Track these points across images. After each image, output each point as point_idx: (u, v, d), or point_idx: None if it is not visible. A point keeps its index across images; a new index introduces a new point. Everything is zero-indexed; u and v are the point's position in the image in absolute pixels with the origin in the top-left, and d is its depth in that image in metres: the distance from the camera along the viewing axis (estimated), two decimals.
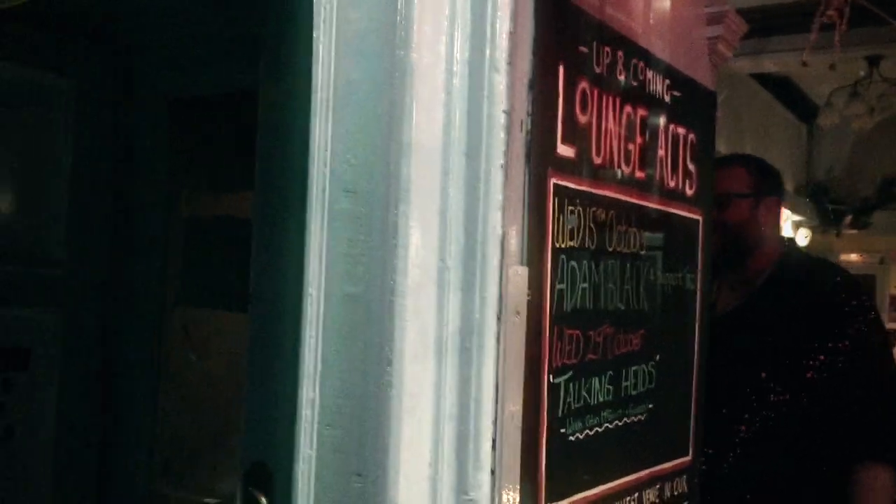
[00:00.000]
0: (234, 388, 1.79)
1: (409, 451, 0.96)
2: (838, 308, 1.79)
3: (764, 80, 6.57)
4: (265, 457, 1.06)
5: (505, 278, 1.04)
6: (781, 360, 1.79)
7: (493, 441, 1.02)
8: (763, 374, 1.80)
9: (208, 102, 2.49)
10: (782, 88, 6.96)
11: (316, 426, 0.98)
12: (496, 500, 1.04)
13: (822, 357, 1.75)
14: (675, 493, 1.55)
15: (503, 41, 1.02)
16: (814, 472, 1.78)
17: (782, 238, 2.07)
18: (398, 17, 0.98)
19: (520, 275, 1.09)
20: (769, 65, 5.67)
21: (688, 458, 1.60)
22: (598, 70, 1.28)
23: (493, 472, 1.02)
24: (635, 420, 1.41)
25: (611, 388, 1.33)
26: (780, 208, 1.99)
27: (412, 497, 0.96)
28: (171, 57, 2.42)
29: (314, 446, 0.99)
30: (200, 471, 2.35)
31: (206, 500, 2.34)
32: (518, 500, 1.08)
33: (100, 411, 2.40)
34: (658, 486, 1.49)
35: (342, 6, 1.02)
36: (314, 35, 1.04)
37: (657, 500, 1.49)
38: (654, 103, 1.45)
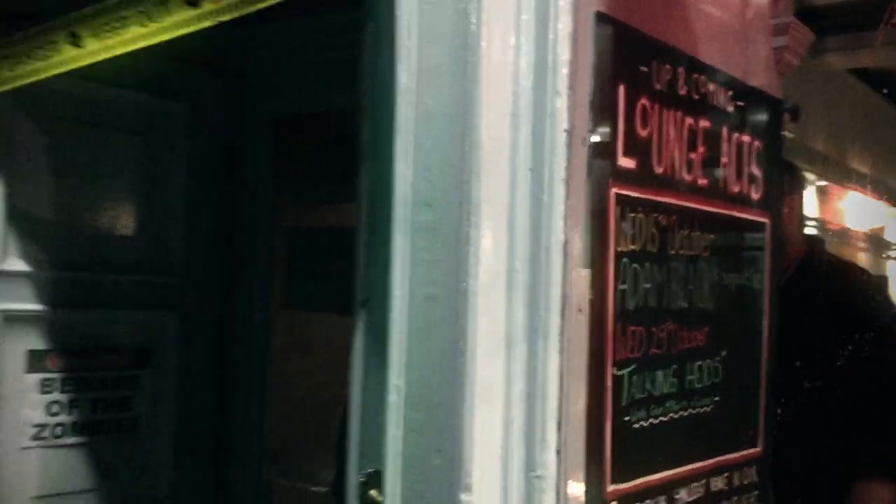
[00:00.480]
0: (332, 383, 1.97)
1: (482, 433, 1.10)
2: (863, 306, 1.82)
3: (863, 75, 6.42)
4: (379, 465, 1.19)
5: (568, 280, 1.16)
6: (809, 357, 1.83)
7: (559, 424, 1.14)
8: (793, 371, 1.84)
9: (307, 121, 2.70)
10: (885, 83, 6.78)
11: (402, 410, 1.13)
12: (562, 478, 1.16)
13: (844, 355, 1.79)
14: (745, 483, 1.64)
15: (563, 69, 1.15)
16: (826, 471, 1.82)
17: (805, 235, 2.08)
18: (468, 52, 1.12)
19: (582, 276, 1.21)
20: (867, 60, 5.56)
21: (757, 450, 1.68)
22: (658, 87, 1.39)
23: (558, 453, 1.15)
24: (701, 411, 1.51)
25: (675, 380, 1.44)
26: (801, 205, 2.01)
27: (486, 473, 1.10)
28: (275, 80, 2.64)
29: (400, 427, 1.14)
30: (305, 461, 2.55)
31: (313, 488, 2.54)
32: (583, 478, 1.20)
33: (214, 406, 2.63)
34: (726, 475, 1.58)
35: (422, 42, 1.17)
36: (397, 67, 1.19)
37: (725, 488, 1.58)
38: (716, 114, 1.54)
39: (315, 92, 2.61)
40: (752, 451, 1.67)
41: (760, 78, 1.70)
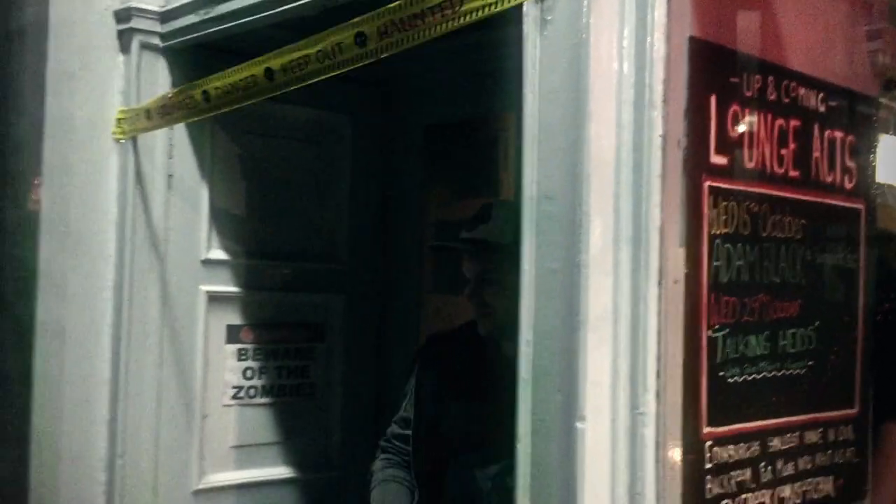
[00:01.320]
0: None
1: (594, 376, 1.40)
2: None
3: None
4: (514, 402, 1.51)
5: (665, 256, 1.44)
6: None
7: (658, 372, 1.42)
8: None
9: (450, 127, 3.06)
10: None
11: (531, 358, 1.45)
12: (661, 417, 1.44)
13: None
14: (840, 439, 1.85)
15: (658, 86, 1.43)
16: None
17: None
18: (580, 77, 1.42)
19: (678, 254, 1.48)
20: None
21: (853, 411, 1.89)
22: (748, 94, 1.64)
23: (658, 395, 1.43)
24: (794, 373, 1.74)
25: (767, 344, 1.68)
26: None
27: (597, 408, 1.40)
28: (423, 92, 3.01)
29: (531, 373, 1.45)
30: None
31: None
32: (679, 417, 1.48)
33: (374, 377, 3.04)
34: (820, 430, 1.80)
35: (543, 69, 1.48)
36: (525, 86, 1.51)
37: (819, 441, 1.80)
38: (806, 115, 1.77)
39: (457, 101, 2.97)
40: (848, 411, 1.88)
41: (854, 80, 1.90)
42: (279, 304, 2.78)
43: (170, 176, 2.50)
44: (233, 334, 2.66)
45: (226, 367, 2.64)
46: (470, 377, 2.07)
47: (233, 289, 2.66)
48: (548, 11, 1.46)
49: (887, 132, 4.56)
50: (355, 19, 1.73)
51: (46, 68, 2.38)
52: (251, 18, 2.21)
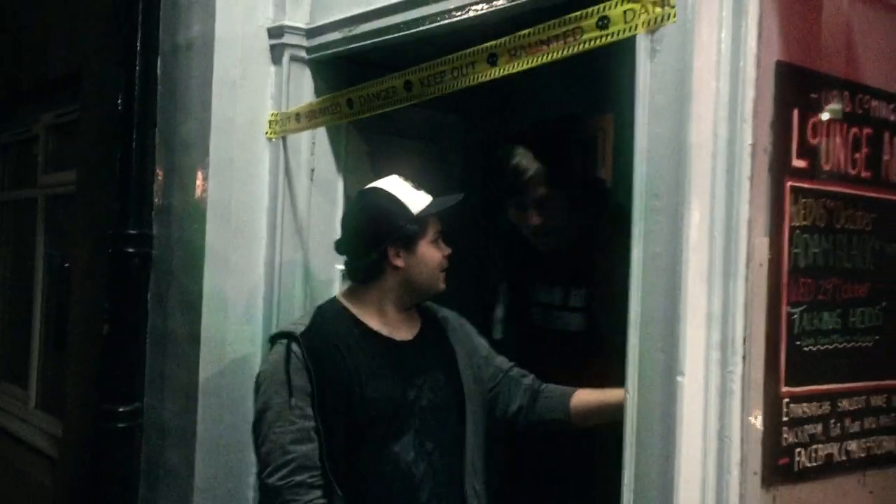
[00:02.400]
0: None
1: (692, 340, 1.72)
2: None
3: None
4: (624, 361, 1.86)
5: (752, 244, 1.76)
6: None
7: (744, 339, 1.74)
8: None
9: (548, 124, 3.38)
10: None
11: (638, 325, 1.78)
12: (747, 376, 1.76)
13: None
14: None
15: (749, 104, 1.74)
16: None
17: None
18: (683, 96, 1.74)
19: (763, 242, 1.79)
20: None
21: None
22: (827, 107, 1.93)
23: (744, 358, 1.75)
24: (862, 345, 2.03)
25: (839, 320, 1.97)
26: None
27: (693, 365, 1.72)
28: (531, 93, 3.34)
29: (638, 337, 1.79)
30: None
31: None
32: (762, 377, 1.79)
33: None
34: (885, 395, 2.08)
35: (652, 90, 1.80)
36: (636, 104, 1.83)
37: (884, 405, 2.08)
38: (878, 123, 2.04)
39: (555, 101, 3.29)
40: None
41: None
42: None
43: (312, 170, 2.90)
44: None
45: None
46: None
47: None
48: (657, 42, 1.78)
49: None
50: (490, 43, 2.07)
51: (213, 77, 2.80)
52: (388, 37, 2.58)
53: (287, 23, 2.81)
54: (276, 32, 2.83)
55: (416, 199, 2.15)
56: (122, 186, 3.06)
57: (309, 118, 2.71)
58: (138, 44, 3.03)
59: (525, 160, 2.45)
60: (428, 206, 2.16)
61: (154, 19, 3.06)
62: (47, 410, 4.38)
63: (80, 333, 3.69)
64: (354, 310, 2.16)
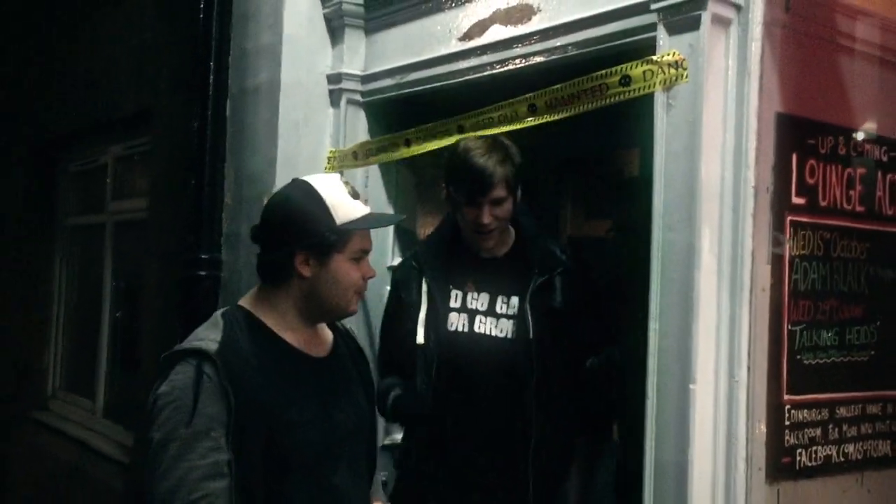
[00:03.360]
0: None
1: (702, 353, 2.00)
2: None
3: None
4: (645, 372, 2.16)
5: (756, 271, 2.04)
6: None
7: (748, 352, 2.02)
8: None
9: (581, 160, 3.69)
10: None
11: (657, 338, 2.07)
12: (752, 385, 2.04)
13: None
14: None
15: (752, 151, 2.03)
16: None
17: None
18: (694, 143, 2.03)
19: (766, 269, 2.07)
20: None
21: None
22: (822, 151, 2.21)
23: (748, 369, 2.03)
24: (858, 359, 2.29)
25: (836, 337, 2.24)
26: None
27: (704, 374, 1.99)
28: (563, 129, 3.64)
29: (656, 350, 2.07)
30: None
31: None
32: (765, 385, 2.07)
33: None
34: (881, 404, 2.35)
35: (668, 138, 2.10)
36: (655, 150, 2.13)
37: (879, 413, 2.34)
38: (871, 164, 2.32)
39: (587, 138, 3.59)
40: None
41: None
42: None
43: (366, 201, 3.21)
44: None
45: None
46: None
47: None
48: (672, 97, 2.08)
49: None
50: (529, 95, 2.39)
51: (278, 118, 3.14)
52: (434, 85, 2.90)
53: (345, 70, 3.15)
54: (334, 79, 3.17)
55: (346, 208, 1.79)
56: (194, 215, 3.40)
57: (366, 155, 3.04)
58: (210, 87, 3.39)
59: (491, 161, 2.38)
60: (357, 220, 1.80)
61: (224, 65, 3.42)
62: (114, 420, 4.74)
63: (152, 351, 4.03)
64: (266, 320, 1.79)
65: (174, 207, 3.83)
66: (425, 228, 3.47)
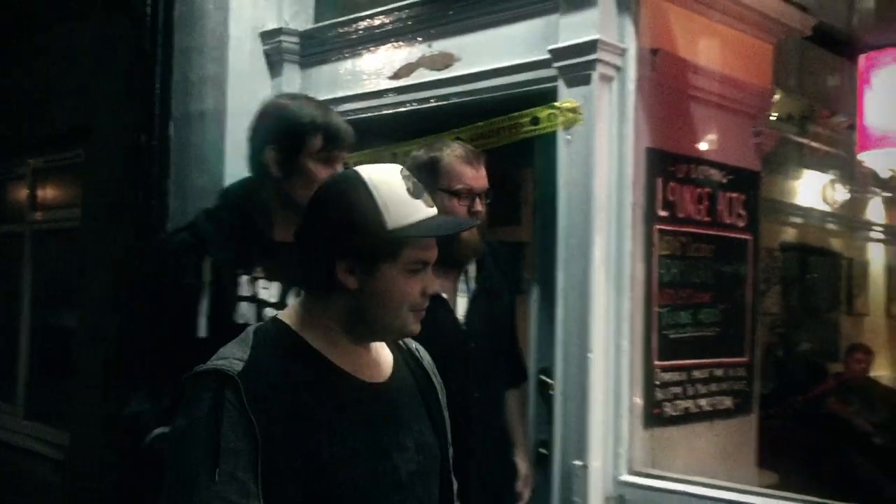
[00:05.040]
0: None
1: (596, 330, 2.64)
2: None
3: None
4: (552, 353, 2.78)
5: (634, 268, 2.70)
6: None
7: (630, 328, 2.68)
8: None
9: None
10: None
11: (562, 321, 2.69)
12: (633, 352, 2.70)
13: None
14: (736, 375, 3.12)
15: (629, 178, 2.69)
16: None
17: None
18: (588, 171, 2.67)
19: (640, 267, 2.74)
20: None
21: (744, 359, 3.16)
22: (679, 175, 2.91)
23: (630, 342, 2.69)
24: (707, 334, 3.01)
25: (691, 317, 2.95)
26: None
27: (598, 347, 2.64)
28: None
29: (562, 328, 2.70)
30: None
31: None
32: (641, 354, 2.73)
33: None
34: (724, 368, 3.07)
35: (568, 167, 2.73)
36: (559, 176, 2.76)
37: (723, 375, 3.06)
38: (714, 184, 3.04)
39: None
40: (741, 358, 3.15)
41: (745, 161, 3.19)
42: None
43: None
44: None
45: None
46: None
47: None
48: (571, 135, 2.72)
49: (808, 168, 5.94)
50: (457, 130, 2.97)
51: (225, 143, 3.58)
52: (368, 115, 3.44)
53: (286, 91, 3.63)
54: None
55: (402, 209, 1.42)
56: (142, 225, 3.79)
57: None
58: (156, 109, 3.79)
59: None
60: (414, 225, 1.43)
61: (168, 91, 3.83)
62: (40, 421, 4.99)
63: (86, 354, 4.35)
64: (307, 336, 1.47)
65: (111, 217, 4.19)
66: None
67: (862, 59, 2.88)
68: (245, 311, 2.04)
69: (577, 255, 2.68)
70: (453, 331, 2.35)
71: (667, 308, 2.86)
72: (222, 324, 1.97)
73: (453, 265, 2.40)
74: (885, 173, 3.17)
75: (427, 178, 2.14)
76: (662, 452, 2.82)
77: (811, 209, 6.96)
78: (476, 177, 2.37)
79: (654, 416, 2.80)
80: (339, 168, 2.02)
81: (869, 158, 2.99)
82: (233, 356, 1.41)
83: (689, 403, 2.93)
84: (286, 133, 2.03)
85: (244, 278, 2.04)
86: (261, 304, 2.06)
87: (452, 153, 2.39)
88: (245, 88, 3.64)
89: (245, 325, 1.81)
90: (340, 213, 1.43)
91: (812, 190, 6.90)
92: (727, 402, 3.09)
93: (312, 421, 1.39)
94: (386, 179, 1.44)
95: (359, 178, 1.44)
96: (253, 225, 2.09)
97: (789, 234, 6.98)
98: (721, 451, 3.07)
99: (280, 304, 2.06)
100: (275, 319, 1.52)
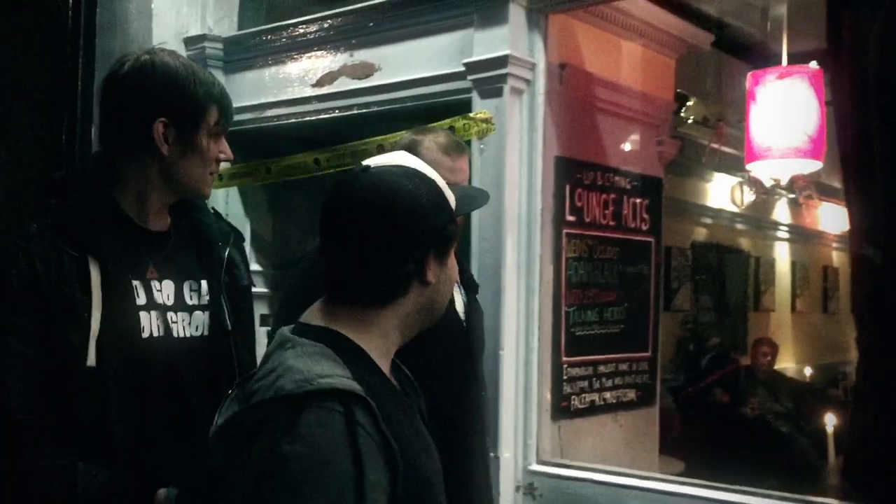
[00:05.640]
0: None
1: (508, 327, 2.80)
2: None
3: None
4: None
5: (543, 269, 2.88)
6: None
7: (539, 327, 2.85)
8: None
9: None
10: None
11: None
12: (542, 350, 2.87)
13: None
14: (639, 369, 3.33)
15: (538, 182, 2.86)
16: None
17: None
18: (500, 181, 2.83)
19: (549, 268, 2.92)
20: None
21: (648, 354, 3.38)
22: (586, 182, 3.10)
23: (539, 339, 2.86)
24: (612, 331, 3.21)
25: (597, 315, 3.14)
26: None
27: (509, 343, 2.80)
28: None
29: (482, 327, 2.86)
30: None
31: None
32: (550, 350, 2.91)
33: None
34: (628, 363, 3.28)
35: (482, 173, 2.89)
36: (472, 181, 2.91)
37: (627, 369, 3.27)
38: (618, 190, 3.24)
39: None
40: (645, 353, 3.37)
41: (648, 168, 3.40)
42: None
43: (226, 215, 3.79)
44: (263, 320, 3.96)
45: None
46: None
47: (263, 290, 3.97)
48: (484, 144, 2.87)
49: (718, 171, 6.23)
50: (378, 137, 3.10)
51: None
52: (291, 121, 3.54)
53: None
54: None
55: (447, 192, 1.37)
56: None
57: (230, 178, 3.61)
58: (78, 112, 3.82)
59: None
60: (463, 203, 1.42)
61: (90, 94, 3.86)
62: None
63: None
64: (365, 346, 1.31)
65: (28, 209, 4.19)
66: (278, 236, 4.09)
67: (749, 77, 3.11)
68: (146, 322, 1.66)
69: (490, 258, 2.84)
70: (456, 328, 2.23)
71: (574, 307, 3.05)
72: (129, 343, 1.61)
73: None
74: (768, 182, 3.41)
75: None
76: (570, 443, 3.01)
77: (721, 210, 7.31)
78: (453, 168, 2.22)
79: (562, 409, 2.98)
80: (225, 144, 1.78)
81: (755, 168, 3.23)
82: (335, 373, 1.19)
83: (594, 396, 3.13)
84: (182, 106, 1.67)
85: (136, 283, 1.66)
86: (161, 309, 1.70)
87: (434, 140, 2.25)
88: None
89: (151, 340, 1.63)
90: (424, 211, 1.30)
91: (722, 192, 7.25)
92: (631, 394, 3.30)
93: (411, 443, 1.27)
94: (425, 166, 1.37)
95: (415, 169, 1.34)
96: (124, 215, 1.69)
97: (700, 234, 7.31)
98: (626, 441, 3.28)
99: (179, 305, 1.72)
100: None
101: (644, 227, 3.37)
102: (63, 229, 1.59)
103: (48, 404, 1.54)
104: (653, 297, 3.41)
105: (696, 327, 6.97)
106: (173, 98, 1.66)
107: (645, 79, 3.35)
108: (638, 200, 3.34)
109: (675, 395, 6.40)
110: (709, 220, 7.30)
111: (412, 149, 2.18)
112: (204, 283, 1.77)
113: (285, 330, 1.31)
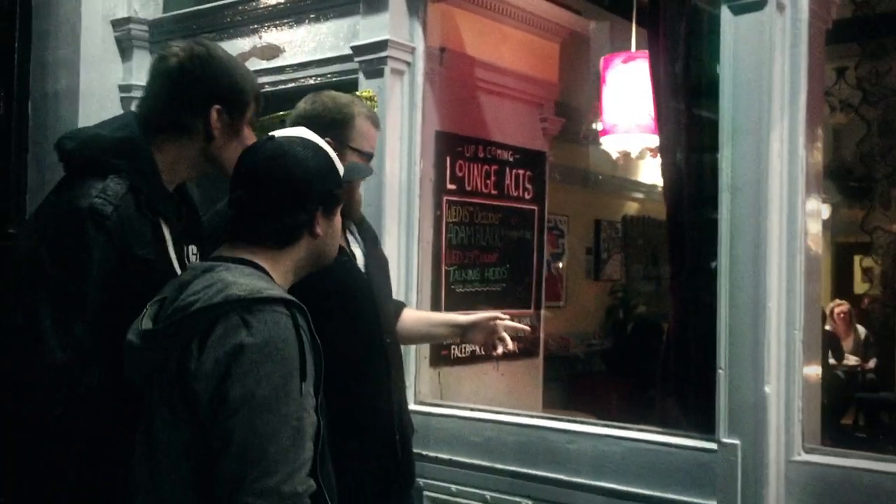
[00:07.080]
0: None
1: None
2: None
3: None
4: None
5: (422, 232, 3.22)
6: None
7: (418, 283, 3.20)
8: None
9: None
10: None
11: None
12: (421, 302, 3.22)
13: None
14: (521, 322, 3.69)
15: (418, 154, 3.20)
16: None
17: None
18: (382, 150, 3.17)
19: (430, 231, 3.26)
20: None
21: (530, 310, 3.74)
22: (467, 154, 3.44)
23: (418, 293, 3.21)
24: (494, 290, 3.56)
25: (478, 274, 3.49)
26: None
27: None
28: None
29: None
30: None
31: None
32: (430, 304, 3.26)
33: None
34: (510, 318, 3.63)
35: None
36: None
37: None
38: (501, 162, 3.59)
39: None
40: (526, 310, 3.73)
41: (531, 143, 3.74)
42: None
43: None
44: None
45: None
46: None
47: None
48: None
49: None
50: (283, 112, 3.42)
51: (78, 119, 3.94)
52: None
53: (134, 82, 3.99)
54: (125, 89, 4.01)
55: (337, 161, 1.73)
56: (2, 196, 4.12)
57: None
58: (14, 90, 4.11)
59: None
60: (350, 171, 1.90)
61: (26, 72, 4.14)
62: None
63: None
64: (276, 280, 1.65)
65: None
66: None
67: (601, 61, 3.45)
68: None
69: (372, 222, 3.17)
70: (359, 278, 2.38)
71: (455, 266, 3.40)
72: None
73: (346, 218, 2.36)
74: (615, 154, 3.76)
75: (336, 131, 2.23)
76: (450, 388, 3.37)
77: (653, 185, 7.68)
78: (375, 138, 2.42)
79: (443, 357, 3.34)
80: (252, 133, 1.93)
81: (606, 142, 3.58)
82: (272, 287, 1.55)
83: (476, 347, 3.48)
84: (236, 95, 1.86)
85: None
86: None
87: (365, 113, 2.36)
88: (97, 71, 4.00)
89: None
90: (320, 172, 1.65)
91: (652, 167, 7.61)
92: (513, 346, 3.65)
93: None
94: (320, 140, 1.71)
95: (311, 142, 1.68)
96: (162, 185, 1.82)
97: (631, 208, 7.69)
98: (508, 389, 3.65)
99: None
100: (245, 260, 1.60)
101: (527, 196, 3.72)
102: (139, 192, 1.73)
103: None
104: (535, 261, 3.77)
105: (626, 295, 7.37)
106: (229, 88, 1.85)
107: (527, 61, 3.68)
108: (521, 172, 3.68)
109: (603, 358, 6.80)
110: (640, 195, 7.67)
111: (346, 121, 2.31)
112: (194, 247, 1.92)
113: (201, 262, 1.65)
